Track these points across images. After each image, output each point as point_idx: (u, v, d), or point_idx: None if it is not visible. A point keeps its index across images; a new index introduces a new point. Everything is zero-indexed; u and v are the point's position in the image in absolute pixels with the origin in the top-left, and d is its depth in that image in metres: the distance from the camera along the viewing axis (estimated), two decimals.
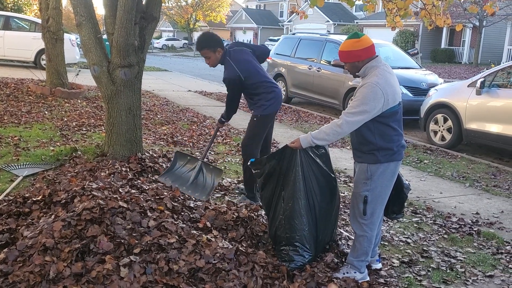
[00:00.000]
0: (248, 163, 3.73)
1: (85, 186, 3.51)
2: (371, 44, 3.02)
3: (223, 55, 4.26)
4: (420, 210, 4.79)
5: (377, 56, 3.07)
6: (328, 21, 40.74)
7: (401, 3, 5.01)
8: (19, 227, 3.17)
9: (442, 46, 34.10)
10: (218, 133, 7.58)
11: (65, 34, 9.93)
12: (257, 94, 4.34)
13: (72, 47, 14.70)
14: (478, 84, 7.62)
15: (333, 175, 3.49)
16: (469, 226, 4.48)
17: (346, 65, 3.10)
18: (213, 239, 3.21)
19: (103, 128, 7.14)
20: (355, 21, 39.30)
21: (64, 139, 6.25)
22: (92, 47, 4.70)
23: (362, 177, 3.10)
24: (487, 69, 23.38)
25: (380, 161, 3.03)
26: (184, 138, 7.02)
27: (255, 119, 4.39)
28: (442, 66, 29.18)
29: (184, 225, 3.26)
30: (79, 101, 9.28)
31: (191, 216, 3.50)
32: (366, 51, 3.00)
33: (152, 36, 4.96)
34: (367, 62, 3.02)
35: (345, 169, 6.13)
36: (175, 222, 3.24)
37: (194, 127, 7.96)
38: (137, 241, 2.98)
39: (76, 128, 6.96)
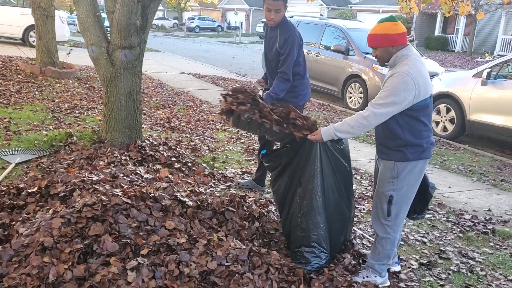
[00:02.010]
0: (260, 156, 3.50)
1: (85, 179, 3.24)
2: (406, 30, 2.79)
3: (284, 16, 3.96)
4: (432, 206, 4.61)
5: (408, 44, 2.84)
6: (321, 4, 40.19)
7: None
8: (13, 222, 2.90)
9: (436, 33, 33.91)
10: (216, 118, 7.35)
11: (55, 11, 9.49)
12: (293, 79, 4.00)
13: (62, 24, 14.15)
14: (484, 75, 7.44)
15: (351, 171, 3.28)
16: (483, 224, 4.32)
17: (377, 50, 2.83)
18: (224, 238, 2.98)
19: (96, 111, 6.83)
20: (349, 5, 38.88)
21: (57, 122, 5.93)
22: (90, 26, 4.37)
23: (388, 175, 2.88)
24: (481, 58, 23.20)
25: (408, 158, 2.81)
26: (182, 124, 6.74)
27: None
28: (435, 54, 29.01)
29: (193, 223, 3.02)
30: (70, 81, 8.91)
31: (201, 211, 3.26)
32: (402, 37, 2.77)
33: (155, 16, 4.65)
34: (399, 50, 2.78)
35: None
36: (183, 221, 3.00)
37: (190, 112, 7.68)
38: (144, 241, 2.74)
39: (68, 111, 6.63)
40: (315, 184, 3.06)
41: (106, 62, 4.39)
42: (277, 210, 3.62)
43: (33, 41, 12.18)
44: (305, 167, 3.09)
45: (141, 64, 4.57)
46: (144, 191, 3.14)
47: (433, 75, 9.46)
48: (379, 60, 2.89)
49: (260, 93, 4.17)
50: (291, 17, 13.25)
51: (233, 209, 3.35)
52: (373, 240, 3.19)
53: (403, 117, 2.78)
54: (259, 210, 3.52)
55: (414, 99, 2.71)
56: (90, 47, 4.40)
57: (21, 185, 3.35)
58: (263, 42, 4.25)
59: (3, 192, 3.28)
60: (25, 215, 2.97)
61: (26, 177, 3.75)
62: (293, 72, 3.97)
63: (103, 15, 4.46)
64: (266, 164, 3.43)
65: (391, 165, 2.87)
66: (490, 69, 7.46)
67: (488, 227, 4.23)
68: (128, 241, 2.69)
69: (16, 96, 7.07)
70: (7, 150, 4.53)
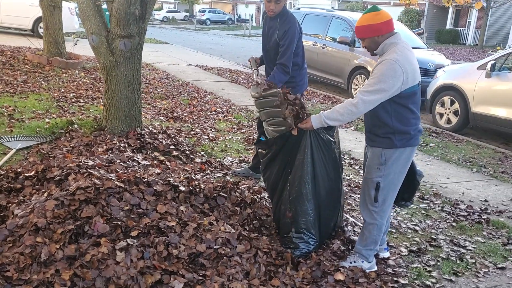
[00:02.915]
0: (255, 142, 3.55)
1: (81, 163, 3.32)
2: (390, 18, 2.83)
3: (284, 7, 3.99)
4: (428, 196, 4.64)
5: (396, 32, 2.87)
6: None
7: None
8: (9, 204, 3.00)
9: (447, 26, 33.57)
10: (219, 109, 7.41)
11: (63, 1, 9.59)
12: (292, 69, 4.01)
13: (70, 15, 14.31)
14: (488, 67, 7.41)
15: (341, 159, 3.32)
16: (478, 214, 4.34)
17: (365, 41, 2.88)
18: (214, 223, 3.05)
19: (101, 100, 6.92)
20: None
21: (61, 110, 6.03)
22: (91, 15, 4.44)
23: (375, 162, 2.92)
24: (492, 51, 22.96)
25: (396, 145, 2.85)
26: (185, 114, 6.81)
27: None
28: (446, 47, 28.76)
29: (184, 208, 3.09)
30: (77, 71, 9.01)
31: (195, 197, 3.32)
32: (386, 25, 2.80)
33: (154, 5, 4.70)
34: (386, 38, 2.82)
35: (350, 150, 5.96)
36: (175, 205, 3.07)
37: (194, 103, 7.74)
38: (135, 223, 2.81)
39: (73, 100, 6.74)
40: (304, 172, 3.10)
41: (106, 51, 4.46)
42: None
43: (42, 32, 12.33)
44: (295, 155, 3.13)
45: (140, 53, 4.64)
46: (137, 175, 3.21)
47: (439, 67, 9.45)
48: (368, 50, 2.94)
49: (255, 74, 4.20)
50: (298, 8, 13.26)
51: (225, 195, 3.41)
52: None
53: (391, 104, 2.81)
54: (252, 196, 3.58)
55: (402, 86, 2.74)
56: (90, 36, 4.48)
57: (19, 169, 3.44)
58: (262, 32, 4.28)
59: (2, 176, 3.37)
60: (21, 198, 3.06)
61: (25, 162, 3.85)
62: (292, 63, 3.99)
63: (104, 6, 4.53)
64: (259, 151, 3.48)
65: (378, 152, 2.91)
66: (494, 61, 7.42)
67: (483, 217, 4.25)
68: (119, 223, 2.77)
69: (23, 85, 7.19)
70: (9, 136, 4.63)
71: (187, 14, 52.28)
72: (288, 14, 4.00)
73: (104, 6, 4.69)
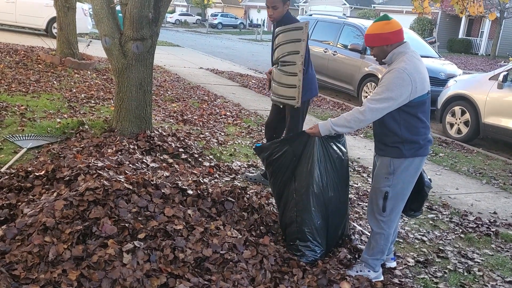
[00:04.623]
0: (253, 147, 3.55)
1: (90, 164, 3.35)
2: (400, 28, 2.82)
3: (287, 12, 4.04)
4: (436, 207, 4.61)
5: (405, 42, 2.86)
6: (344, 3, 40.02)
7: None
8: (19, 203, 3.03)
9: (460, 36, 33.40)
10: (229, 113, 7.44)
11: (77, 2, 9.69)
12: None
13: (84, 16, 14.45)
14: (500, 78, 7.36)
15: (348, 167, 3.31)
16: (487, 226, 4.30)
17: (374, 49, 2.88)
18: (221, 227, 3.05)
19: (112, 101, 6.96)
20: (373, 5, 38.57)
21: (72, 111, 6.08)
22: (104, 17, 4.48)
23: (384, 171, 2.91)
24: (504, 62, 22.79)
25: (404, 155, 2.83)
26: (194, 117, 6.84)
27: (296, 106, 3.95)
28: (458, 56, 28.61)
29: (191, 211, 3.09)
30: (89, 72, 9.09)
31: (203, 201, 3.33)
32: (396, 34, 2.80)
33: (167, 9, 4.74)
34: (395, 47, 2.81)
35: (358, 158, 5.94)
36: (182, 209, 3.08)
37: (204, 106, 7.76)
38: (142, 226, 2.82)
39: (84, 100, 6.79)
40: (311, 179, 3.09)
41: (119, 53, 4.49)
42: None
43: (56, 33, 12.46)
44: (302, 162, 3.13)
45: (152, 56, 4.67)
46: (146, 178, 3.22)
47: (451, 77, 9.41)
48: (377, 58, 2.94)
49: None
50: (310, 15, 13.27)
51: (233, 200, 3.41)
52: None
53: (400, 113, 2.80)
54: (259, 201, 3.58)
55: (411, 95, 2.73)
56: (103, 38, 4.51)
57: (29, 169, 3.47)
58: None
59: (12, 175, 3.41)
60: (31, 197, 3.09)
61: (36, 161, 3.88)
62: None
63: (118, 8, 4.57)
64: (261, 158, 3.44)
65: (387, 161, 2.90)
66: (506, 72, 7.37)
67: (492, 229, 4.22)
68: (127, 225, 2.78)
69: (35, 85, 7.26)
70: (20, 135, 4.68)
71: (200, 17, 52.50)
72: (292, 20, 4.01)
73: (118, 8, 4.73)
